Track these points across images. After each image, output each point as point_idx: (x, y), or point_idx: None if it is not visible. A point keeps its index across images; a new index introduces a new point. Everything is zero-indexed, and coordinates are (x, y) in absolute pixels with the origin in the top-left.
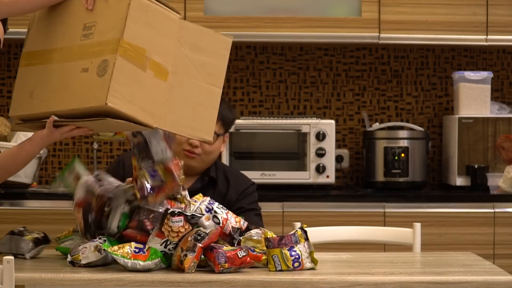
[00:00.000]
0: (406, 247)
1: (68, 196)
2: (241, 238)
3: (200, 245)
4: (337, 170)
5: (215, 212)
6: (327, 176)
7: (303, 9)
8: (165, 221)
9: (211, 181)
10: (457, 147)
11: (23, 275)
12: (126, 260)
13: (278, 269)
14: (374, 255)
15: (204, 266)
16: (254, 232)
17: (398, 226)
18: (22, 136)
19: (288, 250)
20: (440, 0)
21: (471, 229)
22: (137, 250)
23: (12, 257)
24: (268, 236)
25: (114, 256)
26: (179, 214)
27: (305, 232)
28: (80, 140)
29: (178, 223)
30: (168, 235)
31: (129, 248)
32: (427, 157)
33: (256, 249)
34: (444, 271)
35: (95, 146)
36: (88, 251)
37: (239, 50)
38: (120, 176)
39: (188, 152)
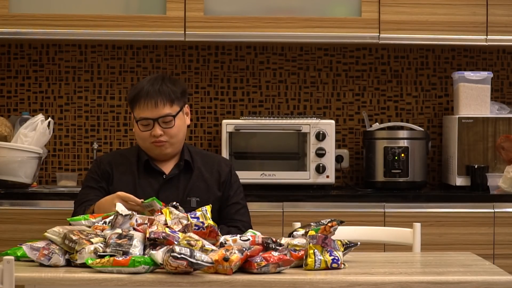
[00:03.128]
0: (406, 247)
1: (67, 196)
2: (282, 243)
3: (248, 252)
4: (337, 170)
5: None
6: (327, 176)
7: (303, 9)
8: (166, 256)
9: (187, 164)
10: (457, 147)
11: (23, 275)
12: (110, 269)
13: (317, 264)
14: (374, 255)
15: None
16: (296, 241)
17: (398, 226)
18: (22, 136)
19: (328, 251)
20: (440, 0)
21: (471, 229)
22: (118, 257)
23: (12, 257)
24: (313, 234)
25: (97, 268)
26: (182, 259)
27: (345, 246)
28: (80, 140)
29: (179, 263)
30: (165, 266)
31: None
32: (427, 157)
33: (297, 248)
34: (444, 271)
35: (95, 146)
36: (85, 253)
37: (239, 50)
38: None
39: (155, 142)
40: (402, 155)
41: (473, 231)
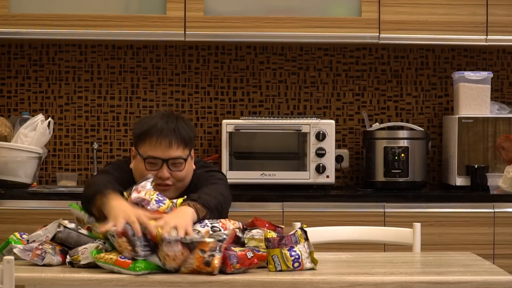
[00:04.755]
0: (406, 247)
1: (67, 196)
2: (245, 237)
3: (224, 245)
4: (337, 170)
5: (211, 224)
6: (327, 176)
7: (303, 9)
8: (159, 247)
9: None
10: (457, 147)
11: (23, 275)
12: (111, 266)
13: (278, 269)
14: (374, 255)
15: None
16: (255, 231)
17: (398, 226)
18: (22, 136)
19: (288, 250)
20: (440, 0)
21: (471, 229)
22: (122, 257)
23: (12, 257)
24: (268, 236)
25: (98, 263)
26: (176, 241)
27: (305, 232)
28: (80, 140)
29: (176, 250)
30: (164, 261)
31: (115, 255)
32: (427, 157)
33: (260, 249)
34: (444, 271)
35: (95, 146)
36: (88, 252)
37: (239, 50)
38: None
39: (160, 185)
40: (402, 155)
41: (473, 231)
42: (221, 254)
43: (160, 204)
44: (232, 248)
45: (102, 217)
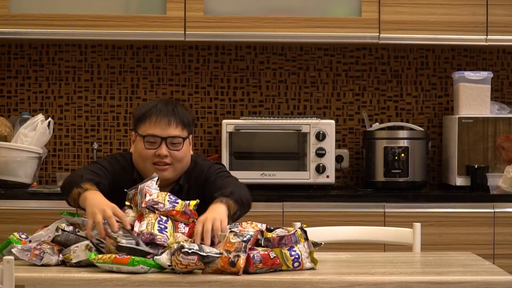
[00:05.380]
0: (406, 247)
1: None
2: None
3: (249, 245)
4: (337, 170)
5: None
6: (327, 176)
7: (303, 9)
8: (175, 255)
9: (180, 188)
10: (457, 147)
11: (23, 275)
12: (110, 265)
13: (278, 269)
14: (374, 255)
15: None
16: (279, 231)
17: (398, 226)
18: (22, 136)
19: (288, 250)
20: (440, 0)
21: (471, 229)
22: (120, 254)
23: (12, 257)
24: (268, 236)
25: (97, 264)
26: (193, 253)
27: (305, 232)
28: (80, 140)
29: (190, 260)
30: (175, 266)
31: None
32: (427, 157)
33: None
34: (444, 271)
35: (95, 146)
36: (79, 250)
37: (239, 50)
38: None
39: (158, 165)
40: (402, 155)
41: (473, 231)
42: (246, 255)
43: (174, 204)
44: (255, 247)
45: (76, 207)
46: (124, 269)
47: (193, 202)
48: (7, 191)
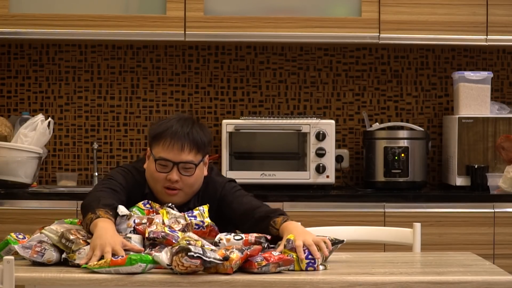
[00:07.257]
0: (406, 247)
1: (67, 196)
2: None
3: (248, 252)
4: (337, 170)
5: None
6: (327, 176)
7: (303, 9)
8: (177, 255)
9: (189, 210)
10: (457, 147)
11: (23, 275)
12: (107, 269)
13: (290, 268)
14: (374, 255)
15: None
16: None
17: (398, 226)
18: (22, 136)
19: (305, 253)
20: (440, 0)
21: (471, 229)
22: (116, 256)
23: (12, 257)
24: (291, 238)
25: (95, 269)
26: (198, 258)
27: (332, 242)
28: (80, 140)
29: (193, 263)
30: (175, 266)
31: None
32: (427, 157)
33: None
34: (444, 271)
35: (95, 146)
36: (84, 253)
37: (239, 50)
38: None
39: (168, 189)
40: (402, 155)
41: (473, 231)
42: (242, 255)
43: (175, 233)
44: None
45: (88, 232)
46: (122, 270)
47: (205, 207)
48: (7, 191)
